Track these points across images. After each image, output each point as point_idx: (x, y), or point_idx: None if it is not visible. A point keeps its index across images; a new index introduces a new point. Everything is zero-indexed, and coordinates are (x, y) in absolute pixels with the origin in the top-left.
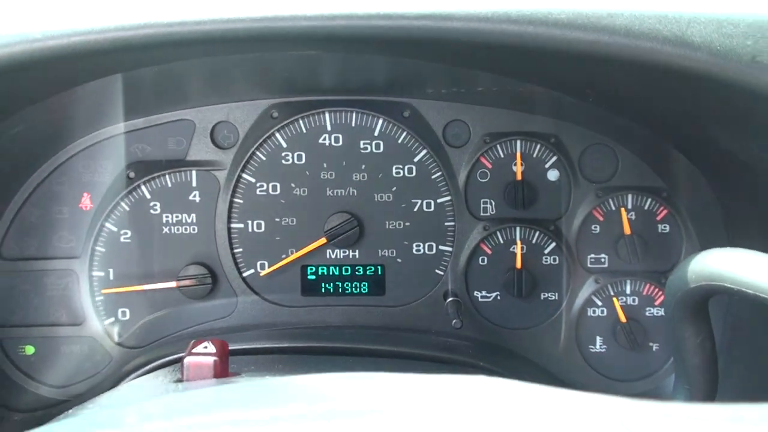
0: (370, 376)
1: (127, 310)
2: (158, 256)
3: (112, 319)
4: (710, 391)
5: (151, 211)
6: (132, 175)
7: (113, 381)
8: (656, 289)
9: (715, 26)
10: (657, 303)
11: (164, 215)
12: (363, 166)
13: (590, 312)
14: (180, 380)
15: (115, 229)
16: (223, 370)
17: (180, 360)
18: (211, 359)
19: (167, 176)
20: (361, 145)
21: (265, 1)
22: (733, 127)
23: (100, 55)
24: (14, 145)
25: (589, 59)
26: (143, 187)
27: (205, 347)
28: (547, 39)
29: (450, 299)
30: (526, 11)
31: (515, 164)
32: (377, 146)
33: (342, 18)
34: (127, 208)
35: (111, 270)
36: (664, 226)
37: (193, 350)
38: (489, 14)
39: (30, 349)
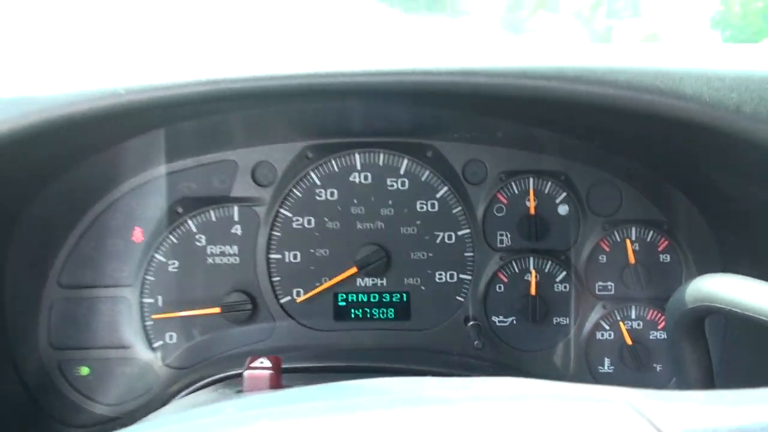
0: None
1: (174, 334)
2: (203, 285)
3: (161, 342)
4: None
5: (197, 243)
6: (180, 210)
7: (163, 399)
8: (659, 314)
9: (704, 80)
10: (660, 327)
11: (209, 247)
12: (390, 202)
13: (599, 335)
14: (240, 392)
15: (163, 259)
16: (277, 383)
17: (230, 377)
18: (267, 372)
19: (211, 211)
20: (388, 183)
21: (314, 59)
22: (723, 168)
23: (180, 107)
24: (74, 185)
25: (596, 109)
26: (190, 221)
27: (261, 362)
28: (560, 92)
29: (471, 323)
30: (542, 68)
31: (528, 200)
32: (403, 184)
33: (392, 74)
34: (175, 241)
35: (160, 297)
36: (665, 256)
37: (251, 365)
38: (510, 70)
39: (85, 370)
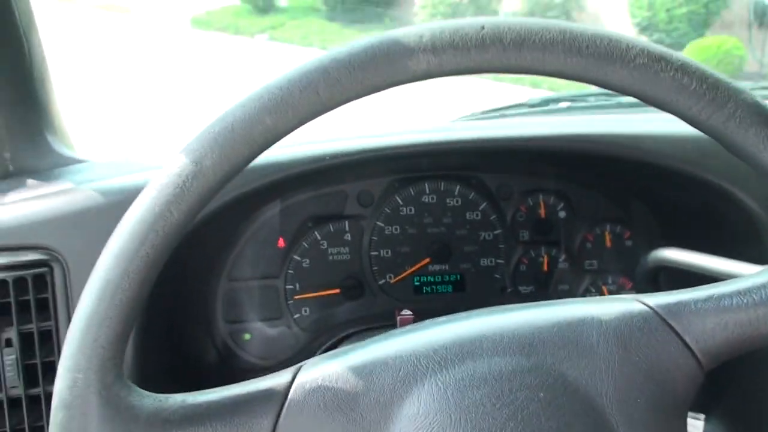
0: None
1: (308, 309)
2: (326, 275)
3: (298, 315)
4: None
5: (321, 246)
6: (310, 224)
7: (307, 353)
8: (627, 280)
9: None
10: (628, 287)
11: (329, 249)
12: (449, 214)
13: (588, 296)
14: None
15: (299, 258)
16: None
17: (372, 329)
18: (411, 316)
19: (330, 225)
20: (447, 201)
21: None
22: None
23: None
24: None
25: (598, 162)
26: (316, 232)
27: (405, 312)
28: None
29: (508, 290)
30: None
31: (540, 208)
32: (457, 201)
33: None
34: (306, 246)
35: (297, 284)
36: (629, 242)
37: (400, 314)
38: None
39: (247, 336)
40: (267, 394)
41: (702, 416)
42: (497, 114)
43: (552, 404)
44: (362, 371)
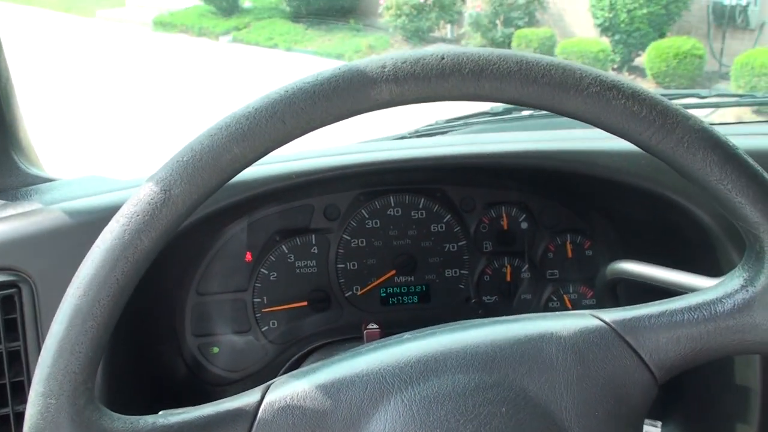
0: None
1: (276, 321)
2: (293, 287)
3: (266, 327)
4: None
5: (288, 260)
6: (277, 238)
7: (275, 365)
8: (587, 288)
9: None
10: (588, 296)
11: (296, 262)
12: (414, 226)
13: (551, 304)
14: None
15: (266, 272)
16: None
17: (337, 342)
18: (378, 330)
19: (297, 238)
20: (412, 214)
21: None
22: (616, 202)
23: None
24: (213, 226)
25: (555, 177)
26: (283, 246)
27: (372, 326)
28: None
29: (472, 300)
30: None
31: (502, 220)
32: (421, 214)
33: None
34: (274, 259)
35: (265, 297)
36: (589, 252)
37: (367, 327)
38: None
39: (216, 350)
40: (237, 414)
41: (659, 423)
42: (461, 123)
43: (514, 418)
44: (330, 389)
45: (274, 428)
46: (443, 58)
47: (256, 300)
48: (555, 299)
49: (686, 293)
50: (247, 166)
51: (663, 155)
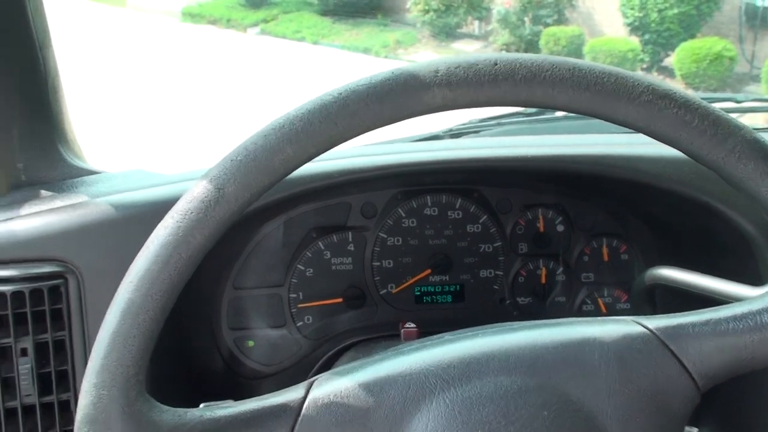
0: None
1: (311, 317)
2: (329, 284)
3: (301, 323)
4: None
5: (324, 256)
6: (314, 235)
7: (309, 361)
8: (622, 292)
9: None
10: (623, 300)
11: (332, 259)
12: (450, 226)
13: (584, 308)
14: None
15: (303, 268)
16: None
17: (375, 338)
18: (416, 329)
19: (334, 235)
20: (448, 214)
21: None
22: (656, 206)
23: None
24: (247, 223)
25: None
26: (320, 242)
27: (409, 325)
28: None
29: (507, 302)
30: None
31: (539, 222)
32: (458, 214)
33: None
34: (310, 255)
35: (301, 293)
36: (625, 256)
37: (404, 326)
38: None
39: (251, 343)
40: (281, 409)
41: (695, 430)
42: (494, 122)
43: (555, 422)
44: (373, 388)
45: (317, 425)
46: (496, 64)
47: (291, 295)
48: (589, 302)
49: (727, 302)
50: (299, 166)
51: (714, 165)
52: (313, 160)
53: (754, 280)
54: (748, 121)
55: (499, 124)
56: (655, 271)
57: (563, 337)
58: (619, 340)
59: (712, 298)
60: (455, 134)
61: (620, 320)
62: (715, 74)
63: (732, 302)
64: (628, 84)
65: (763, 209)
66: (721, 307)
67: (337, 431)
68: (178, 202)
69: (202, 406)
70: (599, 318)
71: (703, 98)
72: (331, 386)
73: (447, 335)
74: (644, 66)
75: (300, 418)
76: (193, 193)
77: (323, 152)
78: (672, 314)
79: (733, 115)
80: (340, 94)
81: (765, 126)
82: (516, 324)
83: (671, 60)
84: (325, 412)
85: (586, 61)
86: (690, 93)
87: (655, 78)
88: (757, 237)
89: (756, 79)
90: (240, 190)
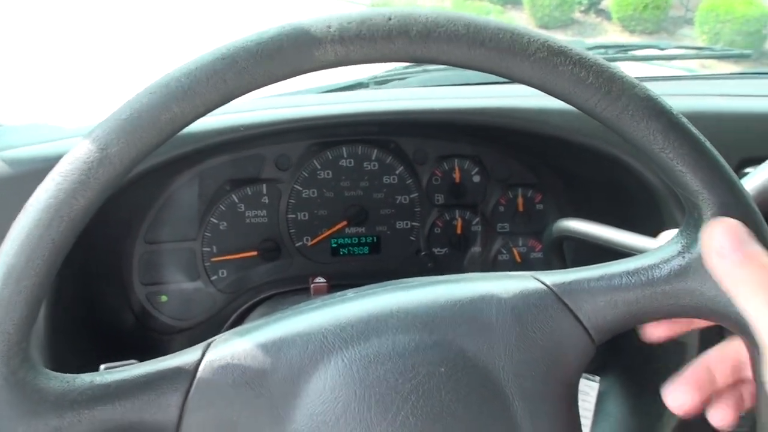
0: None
1: (225, 271)
2: (243, 237)
3: (216, 277)
4: None
5: (238, 209)
6: (227, 188)
7: (224, 314)
8: (537, 242)
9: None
10: (537, 250)
11: (247, 212)
12: (366, 177)
13: (500, 257)
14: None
15: (216, 221)
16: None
17: (286, 292)
18: (325, 283)
19: (248, 188)
20: (364, 165)
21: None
22: (568, 158)
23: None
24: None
25: (507, 132)
26: (233, 195)
27: (319, 280)
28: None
29: (422, 253)
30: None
31: (455, 173)
32: (374, 165)
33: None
34: (224, 209)
35: (214, 246)
36: (540, 205)
37: (314, 281)
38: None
39: (164, 298)
40: (176, 372)
41: (597, 378)
42: (420, 69)
43: (452, 378)
44: (271, 348)
45: (213, 387)
46: (390, 19)
47: (205, 249)
48: (505, 252)
49: (631, 254)
50: (186, 125)
51: (608, 122)
52: (224, 111)
53: (659, 232)
54: (679, 64)
55: (425, 71)
56: (562, 223)
57: (461, 293)
58: (517, 296)
59: (616, 250)
60: (380, 81)
61: (520, 275)
62: (650, 17)
63: (634, 254)
64: (523, 41)
65: (656, 166)
66: (615, 262)
67: (233, 393)
68: (59, 163)
69: (102, 368)
70: (498, 273)
71: (625, 47)
72: (228, 347)
73: (350, 292)
74: (582, 9)
75: (195, 381)
76: (76, 153)
77: (212, 110)
78: (571, 269)
79: (657, 63)
80: (229, 50)
81: (693, 73)
82: (417, 280)
83: (608, 2)
84: (221, 374)
85: (485, 18)
86: (587, 51)
87: (553, 36)
88: (659, 188)
89: (690, 22)
90: (125, 151)
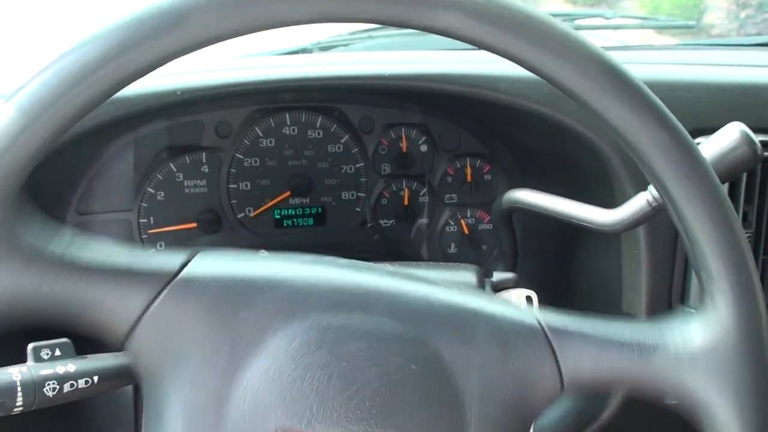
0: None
1: (163, 243)
2: (182, 208)
3: (153, 249)
4: (512, 266)
5: (176, 179)
6: (164, 156)
7: None
8: (485, 213)
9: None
10: (485, 221)
11: (185, 181)
12: (310, 146)
13: (447, 229)
14: None
15: (153, 191)
16: None
17: None
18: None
19: (186, 156)
20: (308, 133)
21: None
22: (519, 130)
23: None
24: (90, 142)
25: (449, 98)
26: (171, 164)
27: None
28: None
29: (368, 225)
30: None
31: (401, 142)
32: (318, 134)
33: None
34: (161, 178)
35: (151, 218)
36: (488, 176)
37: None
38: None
39: None
40: (153, 274)
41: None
42: (365, 35)
43: (420, 379)
44: (251, 286)
45: (180, 307)
46: None
47: (141, 220)
48: (452, 224)
49: (581, 225)
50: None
51: (550, 79)
52: (161, 74)
53: (610, 203)
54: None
55: (370, 38)
56: (512, 194)
57: (457, 300)
58: (507, 322)
59: (566, 221)
60: (324, 47)
61: (523, 310)
62: None
63: (586, 226)
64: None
65: (605, 124)
66: (616, 323)
67: (202, 314)
68: None
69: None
70: (503, 299)
71: (571, 15)
72: (211, 267)
73: (341, 261)
74: None
75: (168, 288)
76: None
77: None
78: (572, 312)
79: (604, 32)
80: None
81: (637, 45)
82: (420, 271)
83: None
84: (194, 292)
85: None
86: (538, 10)
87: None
88: (612, 158)
89: None
90: (49, 120)
